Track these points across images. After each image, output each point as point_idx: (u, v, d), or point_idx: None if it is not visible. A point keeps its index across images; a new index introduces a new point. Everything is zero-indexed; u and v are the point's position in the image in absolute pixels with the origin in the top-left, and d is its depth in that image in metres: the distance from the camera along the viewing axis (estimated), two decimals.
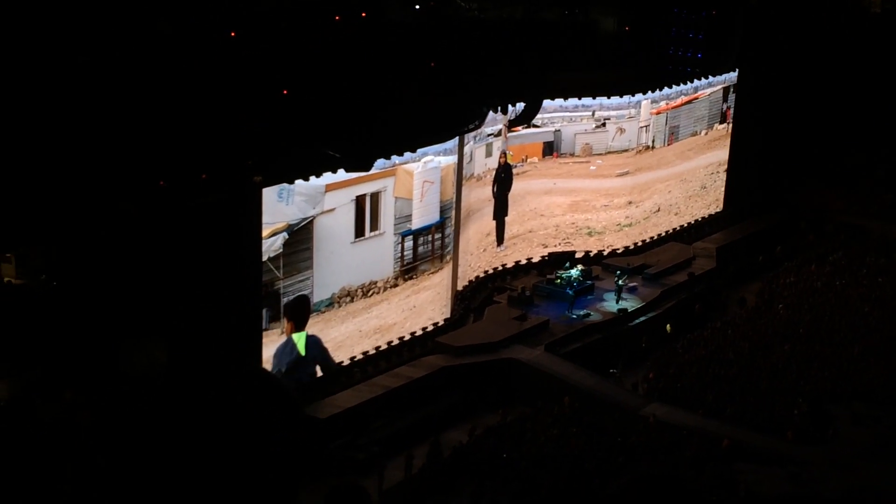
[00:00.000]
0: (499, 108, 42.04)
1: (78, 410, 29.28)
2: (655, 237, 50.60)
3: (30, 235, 30.62)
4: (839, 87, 57.50)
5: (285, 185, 33.46)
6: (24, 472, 26.83)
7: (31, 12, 30.33)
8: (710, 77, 51.62)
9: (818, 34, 55.66)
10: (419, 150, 38.05)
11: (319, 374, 34.52)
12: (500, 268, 45.35)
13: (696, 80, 50.93)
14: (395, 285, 38.40)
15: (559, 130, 46.57)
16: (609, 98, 47.00)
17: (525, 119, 44.14)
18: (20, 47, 29.87)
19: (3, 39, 29.65)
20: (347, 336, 36.74)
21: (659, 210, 51.26)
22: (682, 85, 50.05)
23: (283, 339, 32.62)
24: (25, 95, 29.61)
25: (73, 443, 28.08)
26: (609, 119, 47.65)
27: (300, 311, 32.31)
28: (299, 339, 32.62)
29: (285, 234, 33.98)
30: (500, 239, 45.48)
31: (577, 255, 46.86)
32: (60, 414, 29.16)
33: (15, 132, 29.47)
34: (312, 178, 33.97)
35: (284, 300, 34.09)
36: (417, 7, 42.88)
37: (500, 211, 45.15)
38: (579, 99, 46.15)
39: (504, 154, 44.62)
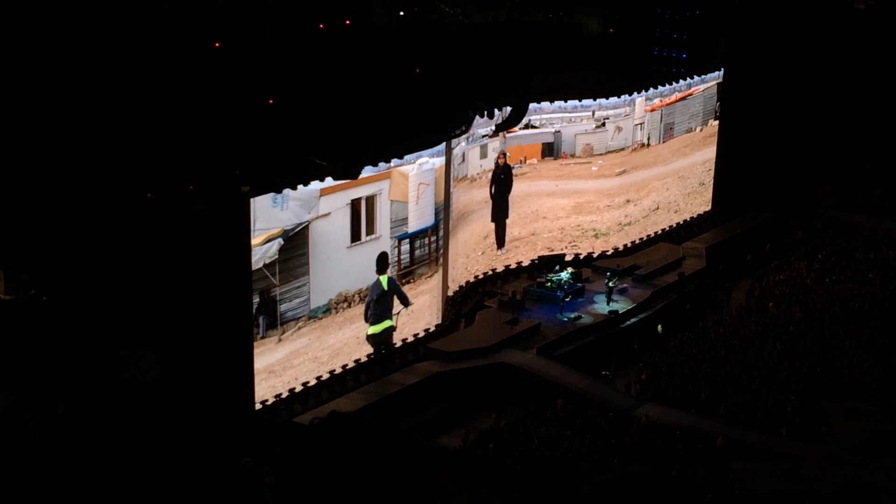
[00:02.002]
0: (485, 112, 41.93)
1: (70, 424, 29.13)
2: (645, 238, 50.57)
3: (18, 247, 30.46)
4: (825, 84, 57.58)
5: None
6: (17, 488, 26.68)
7: (26, 18, 30.21)
8: (695, 77, 51.64)
9: (803, 31, 55.72)
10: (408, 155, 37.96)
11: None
12: (491, 272, 45.27)
13: (681, 81, 50.95)
14: None
15: (559, 131, 46.39)
16: (595, 100, 46.94)
17: (512, 122, 43.98)
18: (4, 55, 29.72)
19: None
20: (345, 343, 36.57)
21: (658, 208, 51.17)
22: (667, 85, 50.06)
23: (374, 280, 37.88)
24: (10, 106, 29.46)
25: (65, 457, 27.92)
26: (608, 118, 47.57)
27: (382, 262, 37.80)
28: (383, 279, 37.70)
29: (280, 240, 33.85)
30: (500, 241, 45.28)
31: (567, 258, 46.83)
32: (52, 428, 29.00)
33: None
34: (300, 186, 33.89)
35: (282, 307, 34.16)
36: (402, 13, 42.79)
37: (500, 213, 44.94)
38: (565, 101, 46.07)
39: (503, 155, 44.50)
